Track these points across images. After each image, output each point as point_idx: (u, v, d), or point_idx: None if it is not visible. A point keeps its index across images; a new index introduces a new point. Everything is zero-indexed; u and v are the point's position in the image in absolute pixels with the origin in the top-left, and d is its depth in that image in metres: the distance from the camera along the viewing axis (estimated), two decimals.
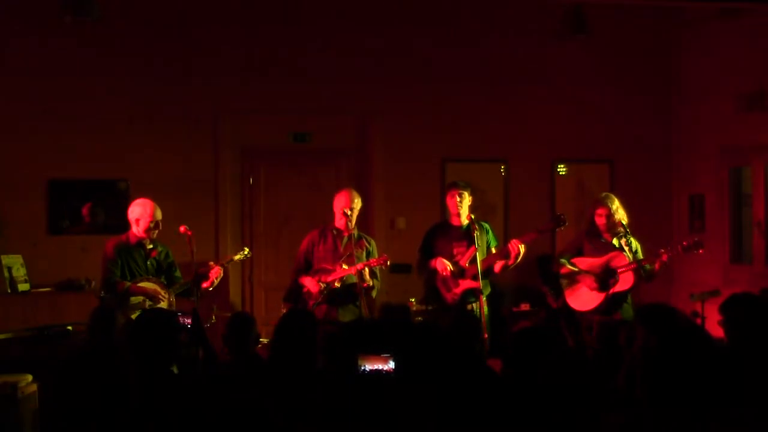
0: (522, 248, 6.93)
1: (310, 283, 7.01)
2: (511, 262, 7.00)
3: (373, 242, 7.31)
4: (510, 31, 9.79)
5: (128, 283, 6.84)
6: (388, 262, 7.02)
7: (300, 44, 9.43)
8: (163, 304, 6.80)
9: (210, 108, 9.31)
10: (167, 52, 9.18)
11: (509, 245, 7.00)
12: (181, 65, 9.19)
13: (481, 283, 6.88)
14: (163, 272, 7.04)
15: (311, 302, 6.95)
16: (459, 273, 7.07)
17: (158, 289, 6.86)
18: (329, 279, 6.96)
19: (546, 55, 9.77)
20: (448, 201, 7.24)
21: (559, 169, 10.17)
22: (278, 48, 9.40)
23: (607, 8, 9.26)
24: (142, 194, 8.84)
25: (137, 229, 6.98)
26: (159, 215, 7.02)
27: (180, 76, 9.17)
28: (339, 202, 7.14)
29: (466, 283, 7.04)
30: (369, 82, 9.56)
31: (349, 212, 7.01)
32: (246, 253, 7.29)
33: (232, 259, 7.31)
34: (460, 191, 7.14)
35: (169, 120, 9.21)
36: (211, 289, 7.04)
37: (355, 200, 7.10)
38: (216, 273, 6.94)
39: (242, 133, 9.51)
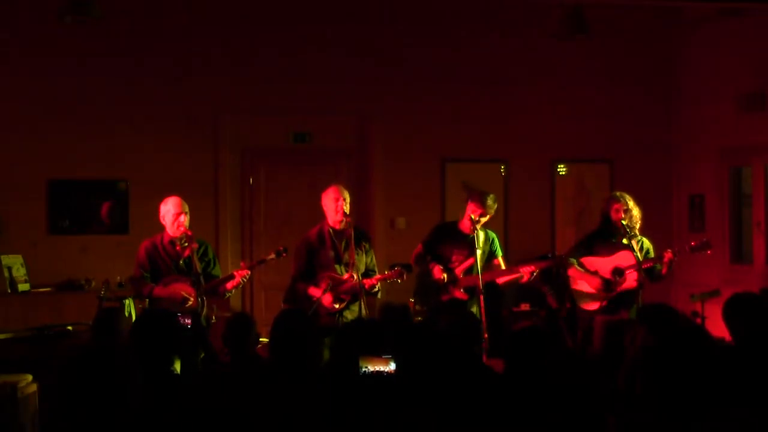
0: (536, 273, 6.98)
1: (324, 298, 6.92)
2: (524, 281, 7.04)
3: (369, 237, 7.28)
4: (510, 31, 9.80)
5: (153, 285, 6.78)
6: (405, 275, 6.99)
7: (300, 44, 9.44)
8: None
9: (210, 108, 9.32)
10: (167, 52, 9.19)
11: (522, 270, 6.99)
12: (181, 65, 9.20)
13: (481, 286, 6.87)
14: (200, 270, 6.73)
15: (323, 312, 6.89)
16: (452, 281, 7.08)
17: (184, 290, 6.73)
18: (343, 290, 6.91)
19: (546, 55, 9.77)
20: (470, 209, 7.08)
21: (559, 169, 10.18)
22: (278, 48, 9.41)
23: (607, 8, 9.26)
24: (142, 194, 8.93)
25: (168, 228, 6.89)
26: (185, 208, 6.86)
27: (180, 76, 9.18)
28: (329, 197, 7.03)
29: (456, 293, 7.06)
30: (369, 82, 9.56)
31: (343, 203, 6.96)
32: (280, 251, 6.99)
33: (264, 260, 7.21)
34: (487, 213, 7.03)
35: (169, 120, 9.22)
36: (233, 291, 7.01)
37: (345, 192, 7.06)
38: (242, 274, 6.86)
39: (242, 133, 9.51)
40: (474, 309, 6.92)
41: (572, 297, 7.40)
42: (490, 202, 7.07)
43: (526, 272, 6.97)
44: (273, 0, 9.36)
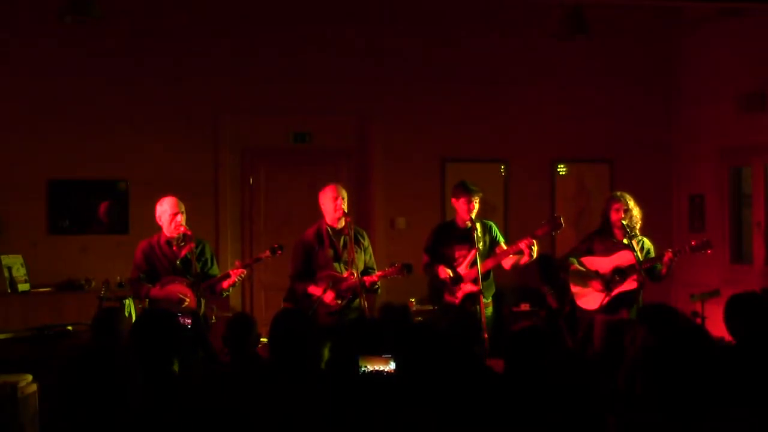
0: (535, 246, 6.91)
1: (326, 296, 6.92)
2: (527, 259, 6.98)
3: (366, 235, 7.29)
4: (510, 31, 9.80)
5: (150, 286, 6.77)
6: (406, 272, 6.98)
7: (300, 44, 9.44)
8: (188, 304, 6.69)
9: (210, 108, 9.32)
10: (167, 52, 9.19)
11: (521, 245, 6.94)
12: (181, 65, 9.20)
13: (482, 285, 6.85)
14: (198, 270, 6.75)
15: (323, 311, 6.89)
16: (459, 278, 7.07)
17: (181, 292, 6.72)
18: (343, 287, 6.92)
19: (546, 55, 9.77)
20: (459, 206, 7.08)
21: (559, 169, 10.18)
22: (278, 48, 9.41)
23: (607, 8, 9.26)
24: (142, 194, 8.93)
25: (165, 229, 6.87)
26: (182, 208, 6.85)
27: (180, 76, 9.18)
28: (327, 196, 7.03)
29: (466, 287, 7.04)
30: (369, 82, 9.56)
31: (341, 202, 6.97)
32: (275, 249, 6.97)
33: (260, 258, 7.17)
34: (473, 197, 7.03)
35: (169, 120, 9.22)
36: (230, 290, 7.00)
37: (342, 191, 7.06)
38: (238, 272, 6.84)
39: (242, 133, 9.51)
40: (476, 310, 6.90)
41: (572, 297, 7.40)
42: (473, 188, 7.06)
43: (523, 245, 6.91)
44: (273, 0, 9.36)
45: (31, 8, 8.79)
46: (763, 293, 8.07)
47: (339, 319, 6.85)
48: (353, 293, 6.89)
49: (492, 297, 7.17)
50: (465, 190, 7.07)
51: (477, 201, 7.05)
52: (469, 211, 7.02)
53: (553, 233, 7.20)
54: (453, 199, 7.19)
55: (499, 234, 7.24)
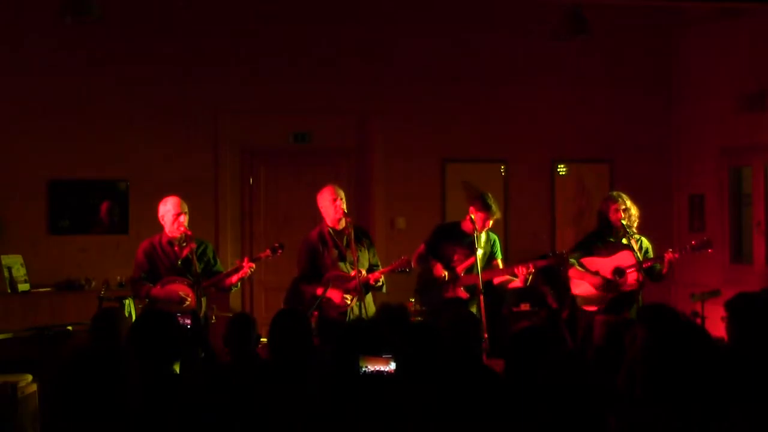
0: (530, 276, 6.95)
1: (334, 295, 6.93)
2: (520, 285, 7.03)
3: (368, 234, 7.31)
4: (510, 31, 9.80)
5: (150, 285, 6.78)
6: (411, 265, 7.00)
7: (300, 44, 9.44)
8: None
9: (210, 108, 9.32)
10: (167, 52, 9.19)
11: (516, 270, 6.97)
12: (181, 65, 9.20)
13: (481, 285, 6.86)
14: (200, 270, 6.77)
15: (334, 312, 6.91)
16: (453, 279, 7.08)
17: (182, 291, 6.73)
18: (351, 286, 6.92)
19: (546, 55, 9.77)
20: (476, 218, 7.02)
21: (559, 169, 10.18)
22: (279, 48, 9.41)
23: (607, 8, 9.26)
24: (142, 194, 8.93)
25: (168, 228, 6.87)
26: (185, 208, 6.84)
27: (180, 75, 9.19)
28: (326, 198, 7.04)
29: (457, 292, 7.07)
30: (369, 82, 9.57)
31: (340, 203, 6.98)
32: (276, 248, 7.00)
33: (259, 258, 7.19)
34: (491, 216, 7.03)
35: (169, 120, 9.22)
36: (238, 284, 7.02)
37: (340, 191, 7.07)
38: (249, 266, 6.85)
39: (242, 132, 9.51)
40: (474, 309, 6.91)
41: (572, 297, 7.40)
42: (494, 207, 7.07)
43: (520, 273, 6.94)
44: (273, 0, 9.35)
45: (31, 8, 8.78)
46: (763, 293, 8.07)
47: (349, 317, 6.88)
48: (360, 291, 6.90)
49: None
50: (486, 208, 7.05)
51: (492, 221, 7.08)
52: (484, 227, 7.05)
53: (558, 268, 7.29)
54: (471, 208, 7.12)
55: (499, 250, 7.29)
